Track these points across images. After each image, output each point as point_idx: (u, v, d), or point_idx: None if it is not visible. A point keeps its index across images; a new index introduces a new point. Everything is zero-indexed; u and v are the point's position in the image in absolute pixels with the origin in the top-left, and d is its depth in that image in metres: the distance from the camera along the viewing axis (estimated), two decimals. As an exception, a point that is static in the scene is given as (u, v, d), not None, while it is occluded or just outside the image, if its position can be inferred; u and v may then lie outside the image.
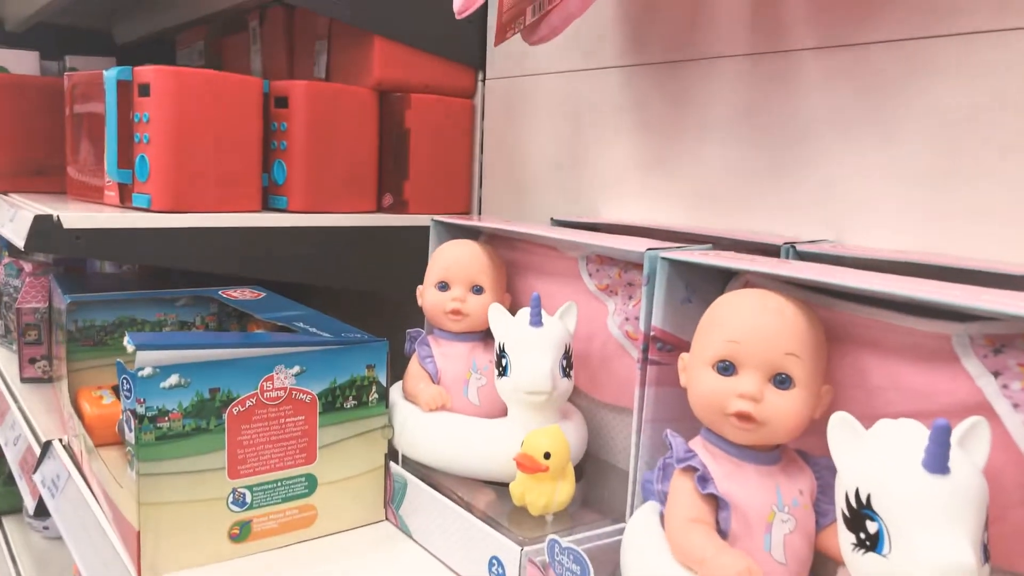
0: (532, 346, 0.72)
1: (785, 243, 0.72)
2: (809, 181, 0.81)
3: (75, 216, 0.92)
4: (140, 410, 0.65)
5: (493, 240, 0.91)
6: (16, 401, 1.21)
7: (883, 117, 0.74)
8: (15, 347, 1.46)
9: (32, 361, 1.28)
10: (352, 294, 1.24)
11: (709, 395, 0.54)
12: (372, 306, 1.40)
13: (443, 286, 0.84)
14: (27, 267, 1.42)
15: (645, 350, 0.65)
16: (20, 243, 0.91)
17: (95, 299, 0.93)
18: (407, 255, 1.15)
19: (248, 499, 0.71)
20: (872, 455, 0.45)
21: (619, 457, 0.81)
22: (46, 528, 1.40)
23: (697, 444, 0.56)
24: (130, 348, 0.65)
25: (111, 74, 1.00)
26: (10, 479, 1.52)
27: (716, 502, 0.53)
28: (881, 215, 0.75)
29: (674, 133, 0.95)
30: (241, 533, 0.71)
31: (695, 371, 0.56)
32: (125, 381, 0.66)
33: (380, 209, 1.19)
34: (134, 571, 0.68)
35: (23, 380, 1.28)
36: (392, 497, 0.78)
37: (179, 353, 0.66)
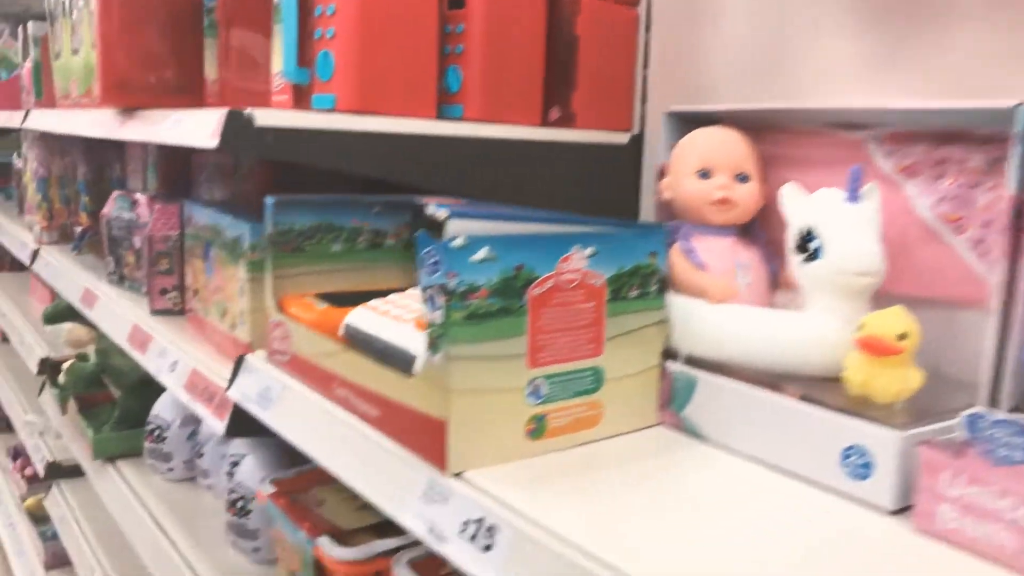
0: (856, 224, 0.65)
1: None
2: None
3: (267, 114, 0.85)
4: (451, 285, 0.57)
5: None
6: (154, 331, 1.13)
7: None
8: (126, 285, 1.38)
9: (163, 292, 1.20)
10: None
11: None
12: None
13: (704, 174, 0.76)
14: (141, 199, 1.33)
15: (1018, 217, 0.59)
16: (212, 142, 0.83)
17: (296, 200, 0.86)
18: (579, 172, 1.09)
19: (544, 391, 0.64)
20: None
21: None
22: (171, 470, 1.32)
23: None
24: (442, 214, 0.58)
25: (290, -36, 0.92)
26: (120, 423, 1.44)
27: None
28: None
29: (909, 20, 0.88)
30: (536, 429, 0.64)
31: None
32: (430, 254, 0.58)
33: (545, 123, 1.12)
34: (434, 469, 0.60)
35: (154, 312, 1.20)
36: (671, 398, 0.71)
37: (490, 224, 0.59)
